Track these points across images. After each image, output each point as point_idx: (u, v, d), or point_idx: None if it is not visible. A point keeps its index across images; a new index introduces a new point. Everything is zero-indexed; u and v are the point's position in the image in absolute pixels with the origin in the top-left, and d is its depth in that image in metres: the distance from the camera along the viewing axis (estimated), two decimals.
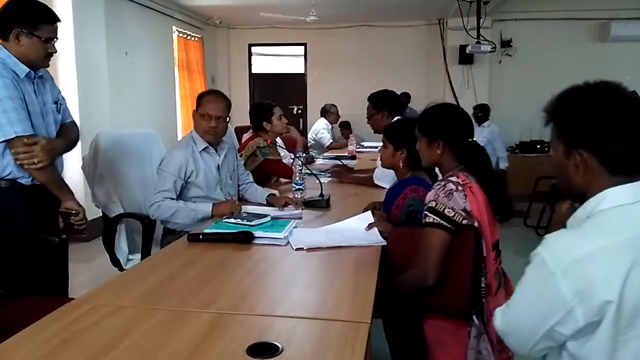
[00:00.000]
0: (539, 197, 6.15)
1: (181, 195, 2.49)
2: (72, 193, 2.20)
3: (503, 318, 1.13)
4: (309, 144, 6.35)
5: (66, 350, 1.14)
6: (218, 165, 2.60)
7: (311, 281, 1.69)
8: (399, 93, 7.02)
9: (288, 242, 2.00)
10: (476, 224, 1.62)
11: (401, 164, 2.17)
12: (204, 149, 2.55)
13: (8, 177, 2.06)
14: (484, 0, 6.72)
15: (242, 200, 2.82)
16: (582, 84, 1.13)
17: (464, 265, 1.59)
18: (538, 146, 7.44)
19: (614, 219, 1.02)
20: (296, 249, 1.89)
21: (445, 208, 1.61)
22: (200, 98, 2.59)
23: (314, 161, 4.70)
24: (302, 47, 8.69)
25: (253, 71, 8.93)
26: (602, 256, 0.96)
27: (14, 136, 1.97)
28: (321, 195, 2.72)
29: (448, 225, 1.60)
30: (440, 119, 1.82)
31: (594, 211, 1.05)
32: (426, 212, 1.65)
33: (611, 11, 7.62)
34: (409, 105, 7.22)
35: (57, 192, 2.15)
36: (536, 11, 7.80)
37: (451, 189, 1.63)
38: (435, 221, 1.61)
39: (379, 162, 3.10)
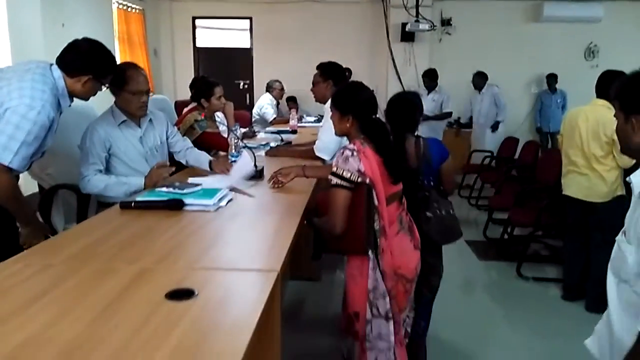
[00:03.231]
0: (472, 170, 6.54)
1: (111, 172, 2.54)
2: (24, 221, 2.21)
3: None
4: (253, 119, 6.43)
5: None
6: (140, 137, 2.63)
7: (233, 239, 1.85)
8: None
9: (217, 209, 2.15)
10: (368, 181, 1.94)
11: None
12: (122, 122, 2.56)
13: None
14: None
15: (187, 167, 2.90)
16: (633, 73, 1.45)
17: (359, 213, 1.95)
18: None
19: None
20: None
21: (343, 171, 1.93)
22: (123, 74, 2.49)
23: (256, 135, 4.82)
24: (248, 21, 8.66)
25: (198, 45, 8.83)
26: None
27: (6, 164, 2.00)
28: (255, 166, 2.86)
29: (347, 185, 1.93)
30: (351, 97, 2.09)
31: None
32: (330, 176, 1.96)
33: None
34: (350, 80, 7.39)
35: (14, 215, 2.20)
36: None
37: (347, 155, 1.95)
38: (337, 183, 1.94)
39: (320, 135, 3.25)
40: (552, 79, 7.85)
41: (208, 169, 2.83)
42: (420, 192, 2.37)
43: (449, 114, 6.90)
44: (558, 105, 7.89)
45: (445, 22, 8.21)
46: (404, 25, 7.68)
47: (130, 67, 2.59)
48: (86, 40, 2.23)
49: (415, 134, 2.47)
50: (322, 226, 2.08)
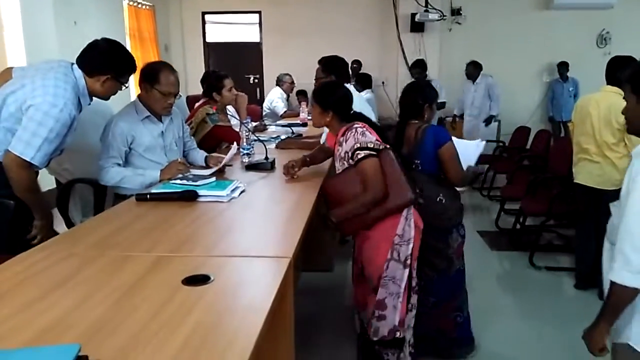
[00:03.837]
0: (480, 160, 6.48)
1: (130, 164, 2.59)
2: (40, 214, 2.22)
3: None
4: (264, 113, 6.47)
5: (24, 287, 1.32)
6: (162, 131, 2.68)
7: (246, 228, 1.90)
8: (351, 61, 7.20)
9: (230, 199, 2.19)
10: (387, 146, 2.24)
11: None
12: (146, 117, 2.62)
13: None
14: None
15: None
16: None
17: (395, 172, 2.18)
18: None
19: None
20: None
21: (367, 143, 2.17)
22: (157, 73, 2.55)
23: (267, 128, 4.86)
24: (257, 15, 8.69)
25: (208, 40, 8.89)
26: None
27: (28, 160, 2.06)
28: (266, 158, 2.90)
29: (374, 153, 2.16)
30: (330, 94, 2.36)
31: None
32: (355, 153, 2.16)
33: None
34: (360, 72, 7.39)
35: (31, 208, 2.22)
36: None
37: (363, 130, 2.21)
38: (366, 154, 2.14)
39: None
40: (563, 67, 7.77)
41: (204, 165, 2.91)
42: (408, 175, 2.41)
43: (443, 104, 6.64)
44: (570, 93, 7.82)
45: (455, 12, 8.14)
46: (413, 15, 7.66)
47: (165, 67, 2.63)
48: (105, 40, 2.28)
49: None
50: (356, 206, 2.17)
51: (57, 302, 1.22)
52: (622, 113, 1.63)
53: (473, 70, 6.89)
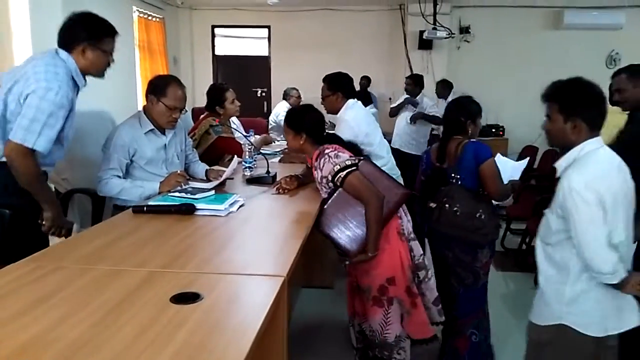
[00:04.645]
0: None
1: (130, 176, 2.57)
2: (47, 204, 2.21)
3: (596, 262, 1.68)
4: (269, 126, 6.46)
5: (7, 300, 1.28)
6: (165, 144, 2.65)
7: (242, 244, 1.85)
8: (359, 77, 7.19)
9: (228, 214, 2.15)
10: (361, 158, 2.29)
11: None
12: (149, 130, 2.59)
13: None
14: None
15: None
16: (566, 79, 1.81)
17: (379, 177, 2.26)
18: (493, 130, 7.70)
19: (595, 159, 1.72)
20: None
21: (343, 162, 2.19)
22: (165, 86, 2.54)
23: (271, 142, 4.83)
24: (266, 30, 8.74)
25: (216, 53, 8.93)
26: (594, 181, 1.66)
27: (30, 146, 2.04)
28: (267, 172, 2.87)
29: (354, 167, 2.19)
30: (302, 118, 2.38)
31: (580, 154, 1.74)
32: (337, 176, 2.18)
33: None
34: (368, 89, 7.37)
35: (38, 199, 2.20)
36: None
37: (335, 153, 2.23)
38: (347, 172, 2.17)
39: None
40: None
41: (205, 178, 2.87)
42: (443, 186, 2.54)
43: (441, 120, 6.45)
44: None
45: (464, 30, 8.14)
46: (421, 32, 7.65)
47: (173, 81, 2.60)
48: (73, 13, 2.25)
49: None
50: (374, 225, 2.15)
51: (39, 318, 1.18)
52: (543, 128, 1.86)
53: (442, 89, 6.65)
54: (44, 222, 2.20)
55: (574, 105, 1.74)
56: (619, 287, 1.70)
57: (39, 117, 2.04)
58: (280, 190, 2.58)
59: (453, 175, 2.52)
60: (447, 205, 2.49)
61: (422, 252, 2.37)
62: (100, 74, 2.29)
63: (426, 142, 6.42)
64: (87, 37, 2.19)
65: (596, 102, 1.76)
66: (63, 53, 2.19)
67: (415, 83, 6.28)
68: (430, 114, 6.11)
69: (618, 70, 2.88)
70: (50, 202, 2.21)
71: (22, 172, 2.06)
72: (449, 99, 6.41)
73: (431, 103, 6.28)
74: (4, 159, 2.09)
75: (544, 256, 1.87)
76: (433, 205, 2.55)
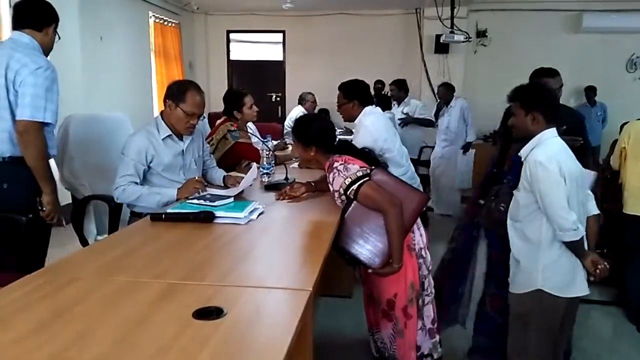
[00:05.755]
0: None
1: (147, 182, 2.52)
2: (50, 186, 2.30)
3: (559, 220, 1.96)
4: (285, 131, 6.41)
5: (20, 316, 1.22)
6: (182, 150, 2.61)
7: (263, 255, 1.78)
8: (374, 81, 7.12)
9: (248, 221, 2.09)
10: (372, 168, 2.21)
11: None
12: (167, 136, 2.54)
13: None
14: None
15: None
16: (526, 83, 2.26)
17: (394, 183, 2.19)
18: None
19: (552, 143, 2.06)
20: None
21: (355, 174, 2.11)
22: (184, 92, 2.49)
23: (287, 147, 4.77)
24: (281, 35, 8.71)
25: (231, 58, 8.93)
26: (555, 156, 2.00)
27: (40, 120, 2.23)
28: (286, 178, 2.80)
29: (366, 178, 2.11)
30: (308, 130, 2.29)
31: (540, 141, 2.05)
32: (349, 189, 2.11)
33: (584, 3, 7.78)
34: (382, 92, 7.28)
35: (39, 181, 2.26)
36: (511, 2, 7.93)
37: (344, 165, 2.15)
38: (360, 183, 2.09)
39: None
40: (591, 91, 7.56)
41: (222, 184, 2.81)
42: (495, 186, 2.57)
43: (432, 122, 6.21)
44: (598, 118, 7.58)
45: (481, 34, 8.04)
46: (437, 36, 7.57)
47: (193, 87, 2.54)
48: None
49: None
50: (396, 235, 2.07)
51: (55, 335, 1.12)
52: (509, 123, 2.17)
53: (444, 92, 6.28)
54: (43, 208, 2.29)
55: (532, 101, 2.09)
56: (580, 256, 2.00)
57: (39, 93, 2.21)
58: (281, 198, 2.51)
59: (506, 177, 2.52)
60: (491, 203, 2.47)
61: (427, 271, 2.32)
62: (51, 49, 2.46)
63: (419, 147, 6.29)
64: (55, 20, 2.40)
65: (550, 98, 2.14)
66: (24, 36, 2.33)
67: (399, 88, 6.19)
68: (421, 116, 6.02)
69: None
70: (52, 184, 2.33)
71: (35, 147, 2.22)
72: (452, 103, 6.31)
73: (420, 105, 6.18)
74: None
75: (514, 232, 2.15)
76: (482, 202, 2.61)
